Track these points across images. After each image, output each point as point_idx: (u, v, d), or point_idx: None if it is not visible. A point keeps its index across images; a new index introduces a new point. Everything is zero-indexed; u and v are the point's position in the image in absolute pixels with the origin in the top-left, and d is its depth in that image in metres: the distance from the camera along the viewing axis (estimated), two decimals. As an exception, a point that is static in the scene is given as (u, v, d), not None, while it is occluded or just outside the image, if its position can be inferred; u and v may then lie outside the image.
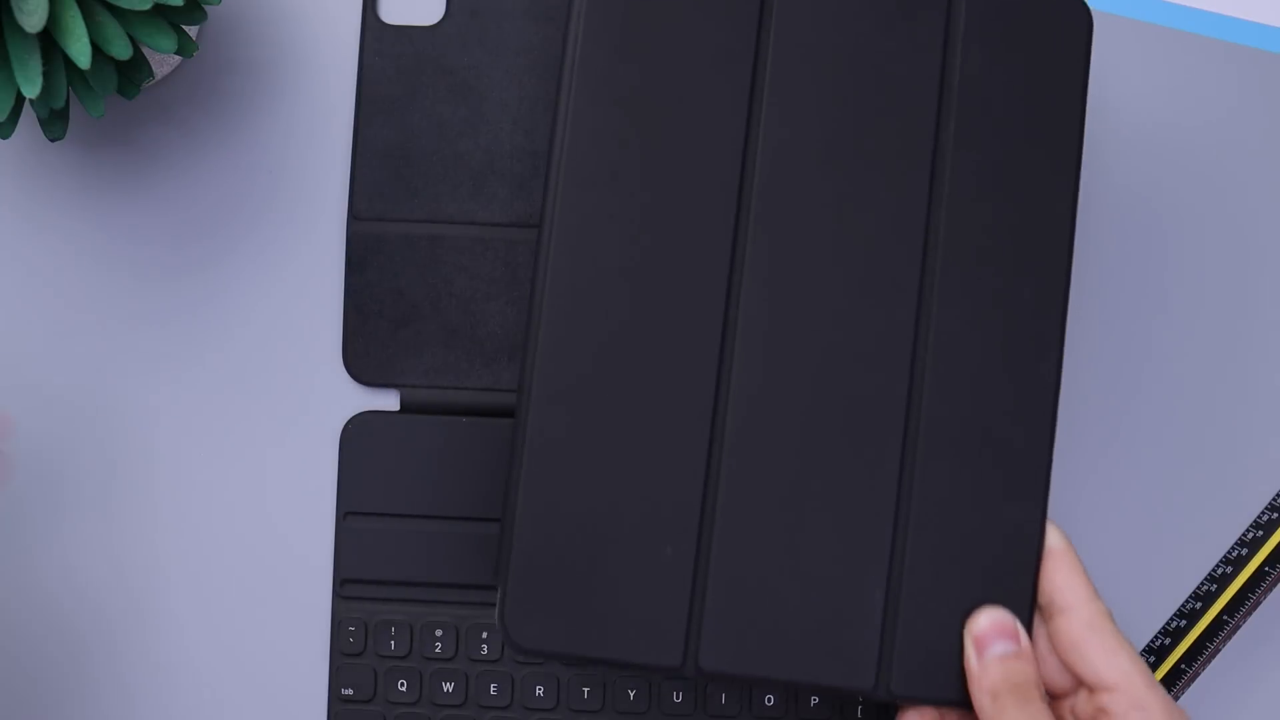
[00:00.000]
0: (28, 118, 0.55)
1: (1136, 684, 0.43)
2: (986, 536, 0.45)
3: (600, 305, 0.45)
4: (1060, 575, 0.45)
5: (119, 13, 0.47)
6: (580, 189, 0.45)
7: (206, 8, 0.52)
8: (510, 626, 0.44)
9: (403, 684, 0.52)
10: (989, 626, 0.44)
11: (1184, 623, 0.52)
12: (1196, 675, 0.52)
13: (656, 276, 0.45)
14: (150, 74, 0.50)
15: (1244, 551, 0.53)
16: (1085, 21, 0.46)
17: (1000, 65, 0.46)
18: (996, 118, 0.46)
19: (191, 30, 0.53)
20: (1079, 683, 0.45)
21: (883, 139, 0.45)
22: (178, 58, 0.54)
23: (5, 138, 0.49)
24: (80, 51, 0.45)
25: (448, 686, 0.53)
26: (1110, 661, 0.43)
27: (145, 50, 0.52)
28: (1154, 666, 0.52)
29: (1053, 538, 0.45)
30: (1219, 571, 0.53)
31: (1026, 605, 0.45)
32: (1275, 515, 0.53)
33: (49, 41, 0.46)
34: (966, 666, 0.44)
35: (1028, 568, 0.45)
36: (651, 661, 0.44)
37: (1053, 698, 0.45)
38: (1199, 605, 0.52)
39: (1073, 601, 0.44)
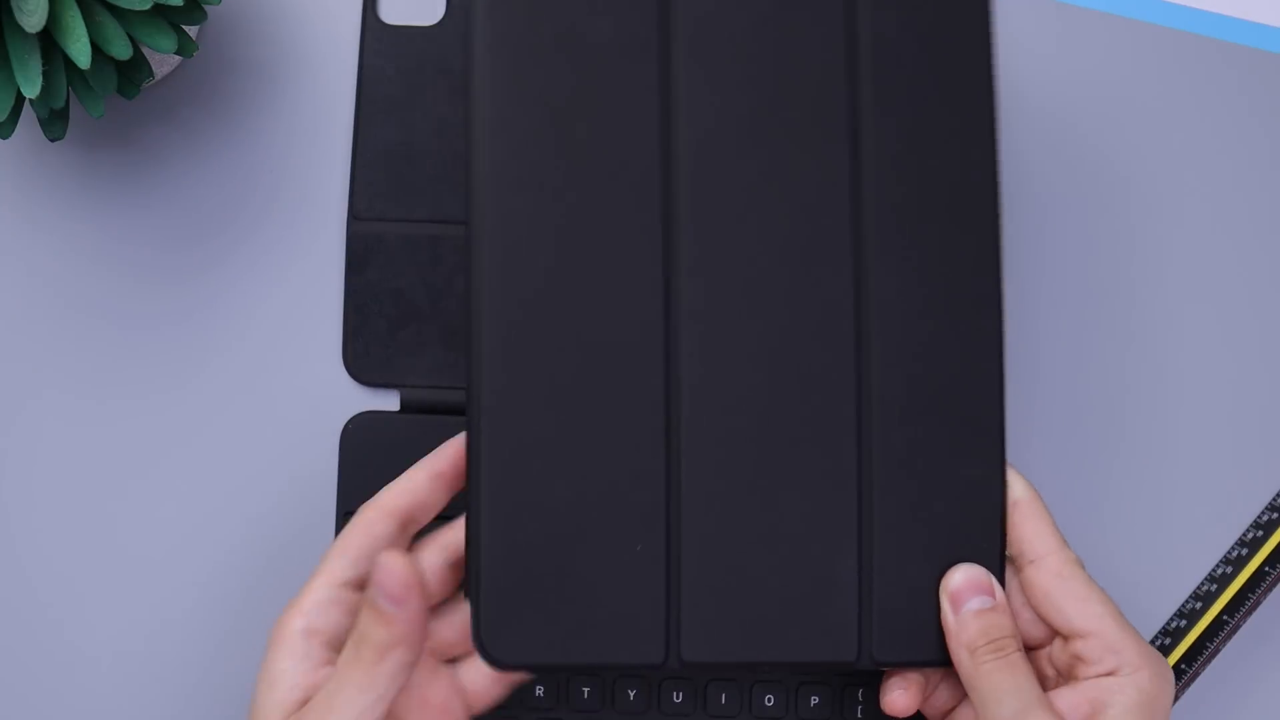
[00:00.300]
0: (28, 118, 0.55)
1: (1109, 628, 0.43)
2: (950, 496, 0.45)
3: (540, 313, 0.44)
4: (1028, 526, 0.45)
5: (119, 13, 0.47)
6: (507, 197, 0.44)
7: (206, 8, 0.52)
8: (488, 644, 0.44)
9: (403, 684, 0.52)
10: (963, 583, 0.44)
11: (1184, 623, 0.52)
12: (1196, 675, 0.52)
13: (593, 278, 0.44)
14: (150, 74, 0.50)
15: (1244, 551, 0.53)
16: None
17: (906, 21, 0.45)
18: (909, 76, 0.45)
19: (191, 30, 0.53)
20: (1054, 633, 0.45)
21: (800, 111, 0.45)
22: (178, 58, 0.54)
23: (5, 138, 0.49)
24: (80, 51, 0.45)
25: (448, 686, 0.53)
26: (1081, 608, 0.44)
27: (145, 50, 0.52)
28: (1154, 666, 0.52)
29: (1018, 489, 0.45)
30: (1219, 571, 0.53)
31: (997, 560, 0.45)
32: (1275, 515, 0.53)
33: (49, 41, 0.46)
34: (944, 624, 0.44)
35: (994, 522, 0.45)
36: (634, 660, 0.44)
37: (1029, 649, 0.45)
38: (1199, 605, 0.52)
39: (1041, 551, 0.44)
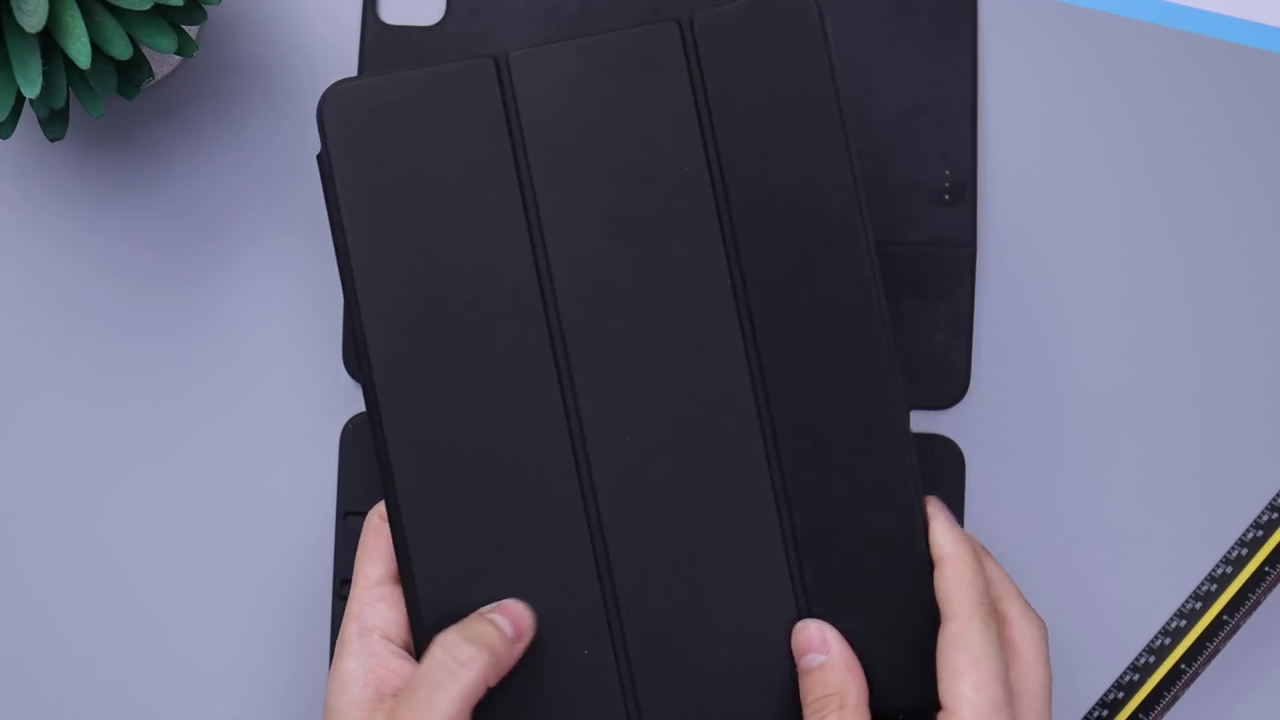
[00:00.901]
0: (28, 118, 0.55)
1: (963, 709, 0.42)
2: (874, 555, 0.45)
3: (448, 448, 0.45)
4: (943, 585, 0.44)
5: (119, 13, 0.47)
6: (390, 342, 0.45)
7: (206, 8, 0.52)
8: None
9: (403, 684, 0.52)
10: (801, 641, 0.45)
11: (1184, 623, 0.52)
12: (1196, 675, 0.52)
13: (491, 411, 0.45)
14: (150, 74, 0.50)
15: (1244, 551, 0.53)
16: (813, 12, 0.45)
17: (750, 83, 0.45)
18: (761, 135, 0.45)
19: (191, 30, 0.53)
20: None
21: (664, 196, 0.45)
22: (178, 58, 0.54)
23: (5, 138, 0.49)
24: (80, 51, 0.45)
25: (448, 686, 0.52)
26: (950, 682, 0.42)
27: (145, 50, 0.52)
28: (1154, 667, 0.52)
29: (944, 545, 0.44)
30: (1219, 571, 0.53)
31: (928, 615, 0.45)
32: (1275, 515, 0.53)
33: (49, 41, 0.46)
34: None
35: (919, 579, 0.45)
36: None
37: None
38: (1199, 605, 0.52)
39: (947, 613, 0.43)
